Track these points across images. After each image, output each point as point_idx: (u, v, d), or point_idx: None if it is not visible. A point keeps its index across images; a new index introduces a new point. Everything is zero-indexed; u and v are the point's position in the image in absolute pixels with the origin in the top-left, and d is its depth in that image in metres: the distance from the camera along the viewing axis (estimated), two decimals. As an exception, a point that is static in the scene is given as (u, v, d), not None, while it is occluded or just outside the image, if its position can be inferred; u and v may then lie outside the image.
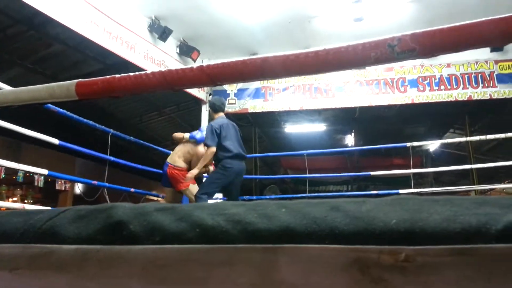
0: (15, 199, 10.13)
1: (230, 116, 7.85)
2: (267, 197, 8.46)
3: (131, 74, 0.99)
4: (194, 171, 4.39)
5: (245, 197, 6.07)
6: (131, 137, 4.85)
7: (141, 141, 5.15)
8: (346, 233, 0.52)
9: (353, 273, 0.49)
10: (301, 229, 0.53)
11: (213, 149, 4.20)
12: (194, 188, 4.55)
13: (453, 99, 6.27)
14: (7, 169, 3.69)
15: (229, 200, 4.40)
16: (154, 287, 0.54)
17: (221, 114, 4.48)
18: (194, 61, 6.14)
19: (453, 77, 6.30)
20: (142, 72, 0.97)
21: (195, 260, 0.54)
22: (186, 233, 0.57)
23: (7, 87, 3.14)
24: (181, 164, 4.65)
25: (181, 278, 0.54)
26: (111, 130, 4.42)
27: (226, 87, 7.04)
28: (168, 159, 4.75)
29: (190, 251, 0.55)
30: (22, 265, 0.60)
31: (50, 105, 3.43)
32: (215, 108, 4.47)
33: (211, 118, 4.61)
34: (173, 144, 5.08)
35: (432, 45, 0.67)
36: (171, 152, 5.03)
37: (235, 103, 6.97)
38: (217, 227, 0.57)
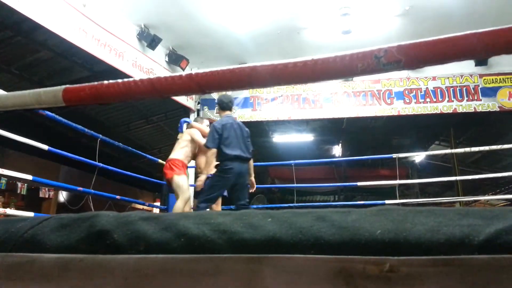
0: (-3, 206, 9.92)
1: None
2: (254, 206, 8.43)
3: (119, 81, 0.98)
4: (202, 177, 4.17)
5: (232, 206, 6.03)
6: (120, 143, 4.79)
7: (130, 148, 5.08)
8: (331, 243, 0.52)
9: (338, 283, 0.48)
10: (287, 239, 0.53)
11: (214, 150, 4.04)
12: (180, 179, 4.34)
13: (439, 112, 6.38)
14: (-11, 176, 3.62)
15: (235, 203, 4.25)
16: (137, 297, 0.53)
17: (228, 112, 4.29)
18: (183, 70, 6.14)
19: (438, 90, 6.41)
20: (131, 79, 0.96)
21: (179, 270, 0.53)
22: (171, 242, 0.57)
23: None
24: (173, 155, 4.47)
25: (165, 288, 0.53)
26: (100, 136, 4.36)
27: (214, 96, 7.04)
28: None
29: (174, 260, 0.54)
30: (2, 274, 0.59)
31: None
32: (223, 105, 4.27)
33: (219, 116, 4.42)
34: (160, 152, 5.02)
35: (418, 57, 0.68)
36: (159, 160, 4.96)
37: (223, 112, 6.97)
38: (202, 236, 0.56)
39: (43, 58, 6.85)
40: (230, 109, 4.32)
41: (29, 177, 3.63)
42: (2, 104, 1.12)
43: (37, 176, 3.81)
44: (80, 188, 4.43)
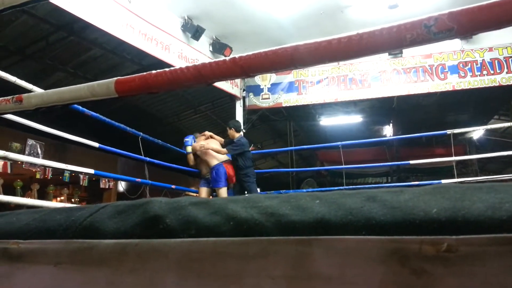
0: (62, 198, 10.60)
1: (264, 111, 7.86)
2: (304, 190, 8.40)
3: (167, 69, 1.00)
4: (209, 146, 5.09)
5: (282, 191, 6.05)
6: (158, 140, 5.00)
7: (168, 144, 5.27)
8: (384, 224, 0.50)
9: (392, 264, 0.47)
10: (336, 220, 0.52)
11: (228, 155, 5.08)
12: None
13: (497, 84, 5.98)
14: (54, 170, 3.87)
15: None
16: (190, 281, 0.55)
17: (241, 133, 5.37)
18: (227, 57, 6.17)
19: (496, 61, 6.00)
20: (177, 67, 0.99)
21: (230, 253, 0.54)
22: (221, 226, 0.58)
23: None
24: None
25: (216, 271, 0.54)
26: (141, 134, 4.57)
27: (259, 82, 7.03)
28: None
29: (224, 244, 0.55)
30: (65, 259, 0.63)
31: (85, 109, 3.57)
32: (238, 129, 5.32)
33: (231, 136, 5.30)
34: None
35: (471, 23, 0.63)
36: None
37: (269, 98, 6.96)
38: (250, 219, 0.56)
39: (95, 55, 7.16)
40: (241, 131, 5.42)
41: (91, 171, 3.86)
42: (61, 98, 1.18)
43: (97, 167, 4.06)
44: (138, 180, 4.65)
